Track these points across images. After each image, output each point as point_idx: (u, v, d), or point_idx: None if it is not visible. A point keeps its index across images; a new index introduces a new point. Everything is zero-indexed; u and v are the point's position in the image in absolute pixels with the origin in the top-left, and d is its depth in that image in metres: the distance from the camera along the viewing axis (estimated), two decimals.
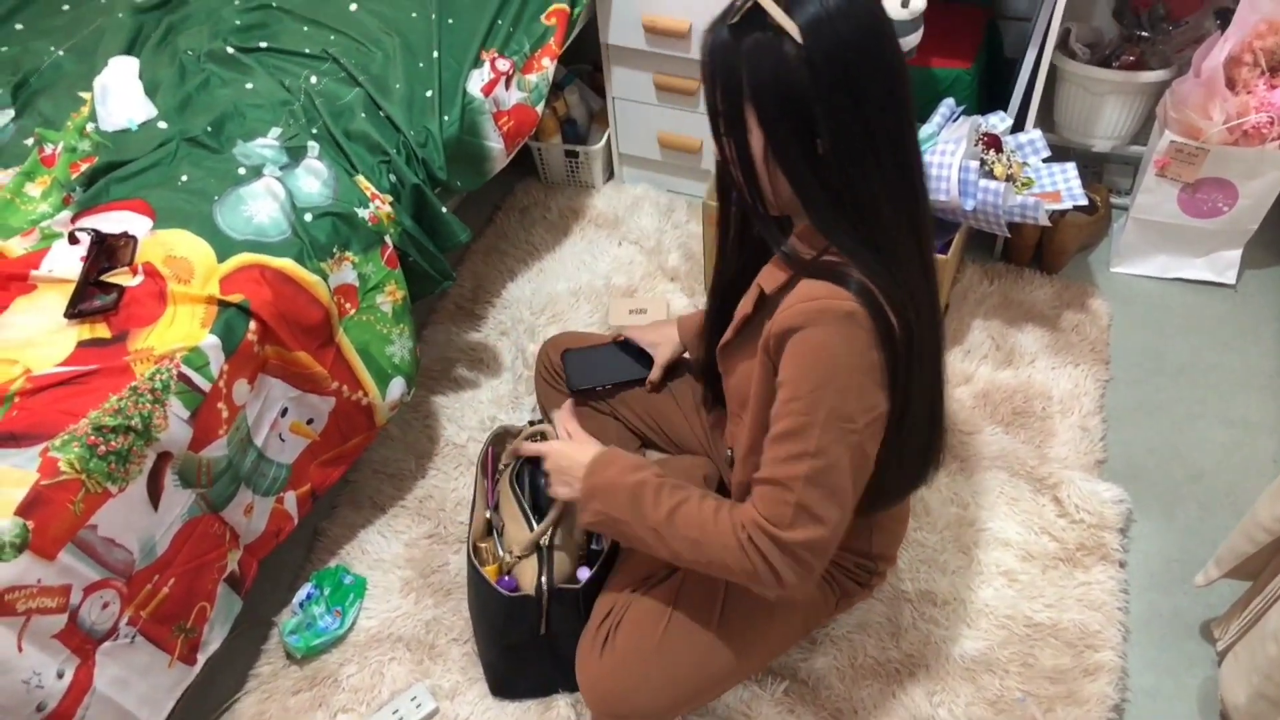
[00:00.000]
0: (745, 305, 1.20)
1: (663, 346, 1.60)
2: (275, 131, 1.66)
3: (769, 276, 1.15)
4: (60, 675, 1.19)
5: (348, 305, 1.56)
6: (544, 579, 1.40)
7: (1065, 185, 1.85)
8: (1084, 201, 1.83)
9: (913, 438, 1.15)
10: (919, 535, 1.66)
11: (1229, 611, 1.47)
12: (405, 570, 1.68)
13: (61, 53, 1.85)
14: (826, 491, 1.06)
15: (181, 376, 1.30)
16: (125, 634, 1.27)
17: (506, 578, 1.44)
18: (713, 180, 1.16)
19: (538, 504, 1.47)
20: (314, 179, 1.59)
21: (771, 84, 0.99)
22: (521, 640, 1.44)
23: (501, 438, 1.58)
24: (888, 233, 1.06)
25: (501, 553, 1.47)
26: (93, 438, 1.19)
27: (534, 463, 1.48)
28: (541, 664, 1.48)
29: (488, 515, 1.53)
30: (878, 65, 1.00)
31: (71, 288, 1.37)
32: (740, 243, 1.29)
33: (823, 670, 1.50)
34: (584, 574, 1.44)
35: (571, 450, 1.30)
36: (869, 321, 1.01)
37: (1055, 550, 1.62)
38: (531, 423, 1.54)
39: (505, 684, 1.53)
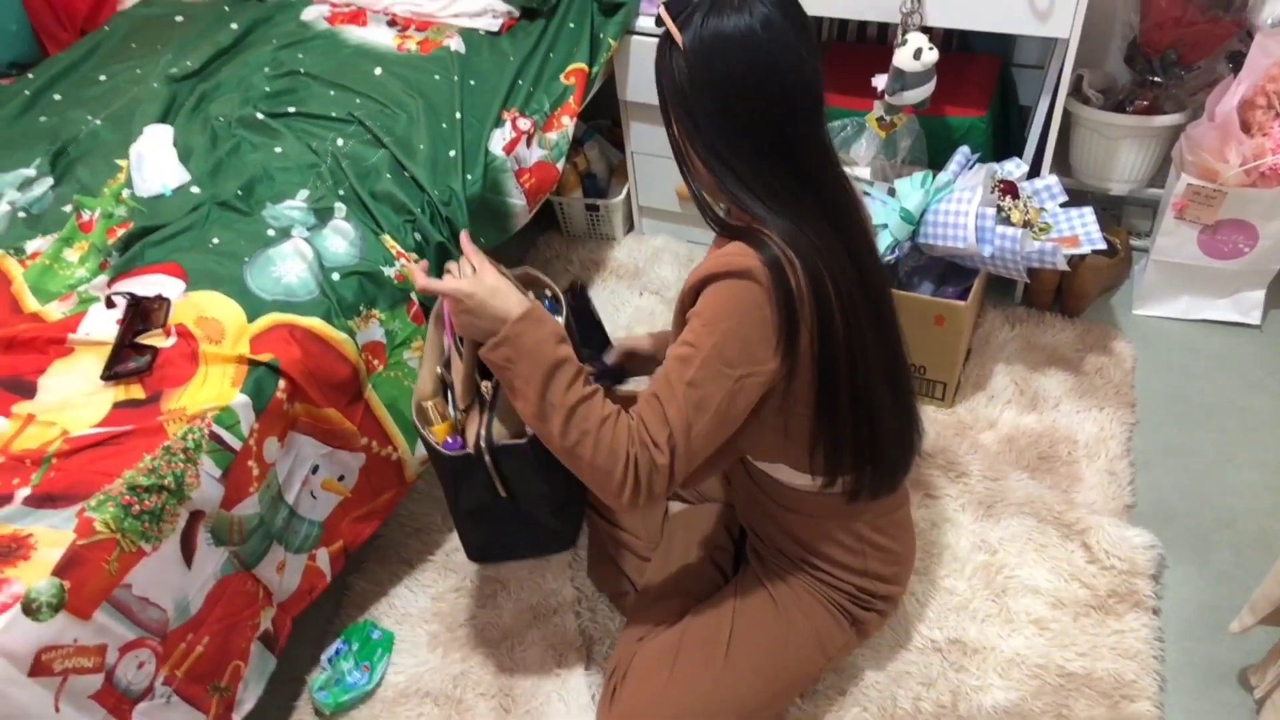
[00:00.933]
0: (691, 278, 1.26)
1: (627, 339, 1.56)
2: (303, 193, 1.70)
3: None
4: None
5: (376, 362, 1.59)
6: (482, 432, 1.30)
7: (1083, 230, 1.86)
8: (1102, 245, 1.84)
9: (842, 414, 1.20)
10: (947, 582, 1.65)
11: (1266, 658, 1.45)
12: (433, 624, 1.68)
13: (98, 122, 1.91)
14: (689, 422, 1.12)
15: (213, 435, 1.32)
16: (161, 694, 1.29)
17: (454, 439, 1.35)
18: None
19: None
20: (341, 239, 1.63)
21: (668, 77, 1.13)
22: (481, 503, 1.37)
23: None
24: (794, 209, 1.13)
25: (451, 411, 1.37)
26: (127, 497, 1.22)
27: None
28: (508, 526, 1.41)
29: (439, 371, 1.41)
30: (749, 81, 1.09)
31: (108, 350, 1.41)
32: None
33: None
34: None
35: (498, 293, 1.18)
36: (769, 281, 1.09)
37: (1086, 597, 1.60)
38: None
39: (477, 550, 1.52)
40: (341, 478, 1.57)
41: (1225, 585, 1.63)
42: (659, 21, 1.14)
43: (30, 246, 1.64)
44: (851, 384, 1.18)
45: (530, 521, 1.42)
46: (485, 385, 1.34)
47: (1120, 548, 1.64)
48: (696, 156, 1.15)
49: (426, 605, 1.72)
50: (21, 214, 1.72)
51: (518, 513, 1.39)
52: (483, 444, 1.30)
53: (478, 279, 1.20)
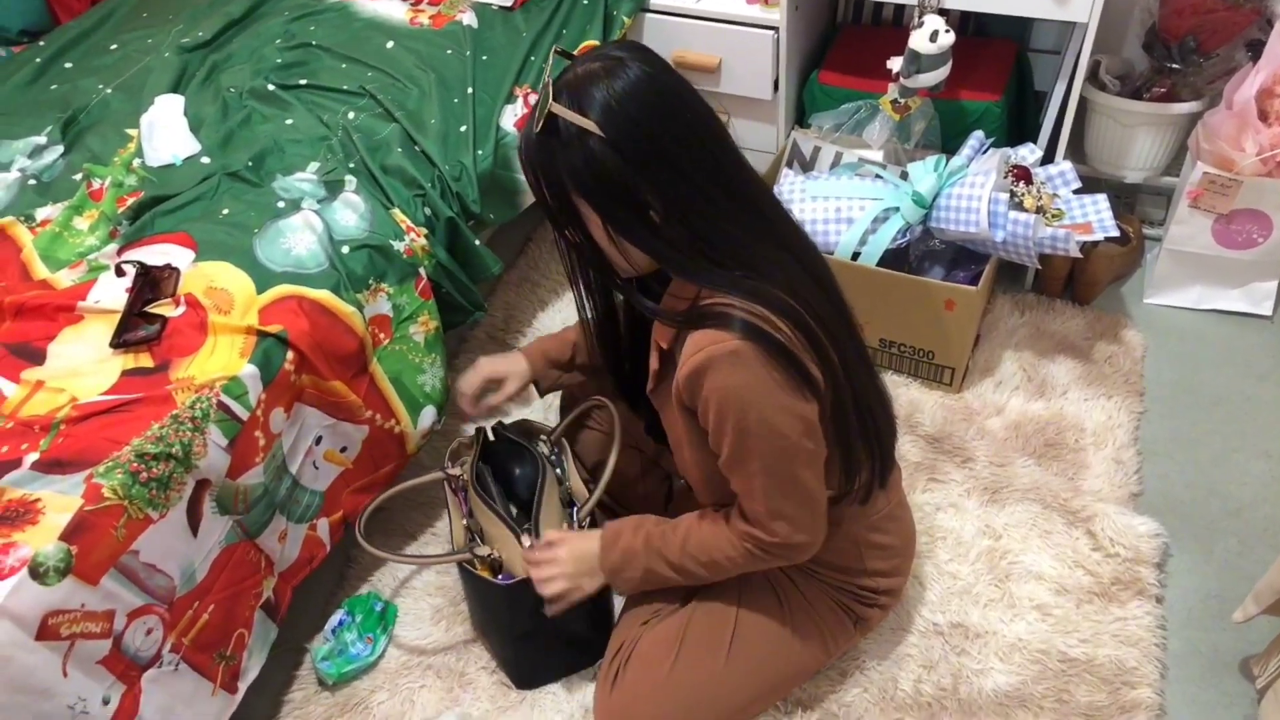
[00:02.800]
0: (653, 360, 1.25)
1: (509, 380, 1.53)
2: (314, 166, 1.70)
3: (661, 332, 1.21)
4: (106, 702, 1.21)
5: (382, 335, 1.59)
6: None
7: (1096, 217, 1.85)
8: (1115, 233, 1.83)
9: (851, 422, 1.21)
10: (951, 567, 1.65)
11: (1269, 648, 1.44)
12: (436, 598, 1.69)
13: (109, 91, 1.91)
14: (786, 496, 1.17)
15: (221, 405, 1.33)
16: (169, 661, 1.29)
17: (500, 575, 1.45)
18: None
19: (510, 493, 1.55)
20: (351, 212, 1.63)
21: (589, 176, 1.06)
22: (530, 628, 1.45)
23: (456, 452, 1.58)
24: (751, 256, 1.12)
25: (488, 552, 1.46)
26: (135, 464, 1.22)
27: (487, 461, 1.55)
28: (554, 647, 1.52)
29: (465, 524, 1.53)
30: (678, 127, 1.07)
31: (117, 318, 1.41)
32: (609, 308, 1.38)
33: (854, 703, 1.49)
34: None
35: (576, 545, 1.36)
36: (757, 350, 1.07)
37: (1090, 584, 1.60)
38: (480, 430, 1.57)
39: (525, 676, 1.55)
40: (344, 449, 1.57)
41: (1229, 575, 1.63)
42: (547, 132, 1.05)
43: (40, 214, 1.64)
44: (852, 391, 1.18)
45: (571, 636, 1.53)
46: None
47: (1125, 535, 1.64)
48: (636, 244, 1.11)
49: (430, 579, 1.72)
50: (31, 181, 1.73)
51: (560, 630, 1.47)
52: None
53: (554, 561, 1.35)
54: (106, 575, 1.19)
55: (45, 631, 1.13)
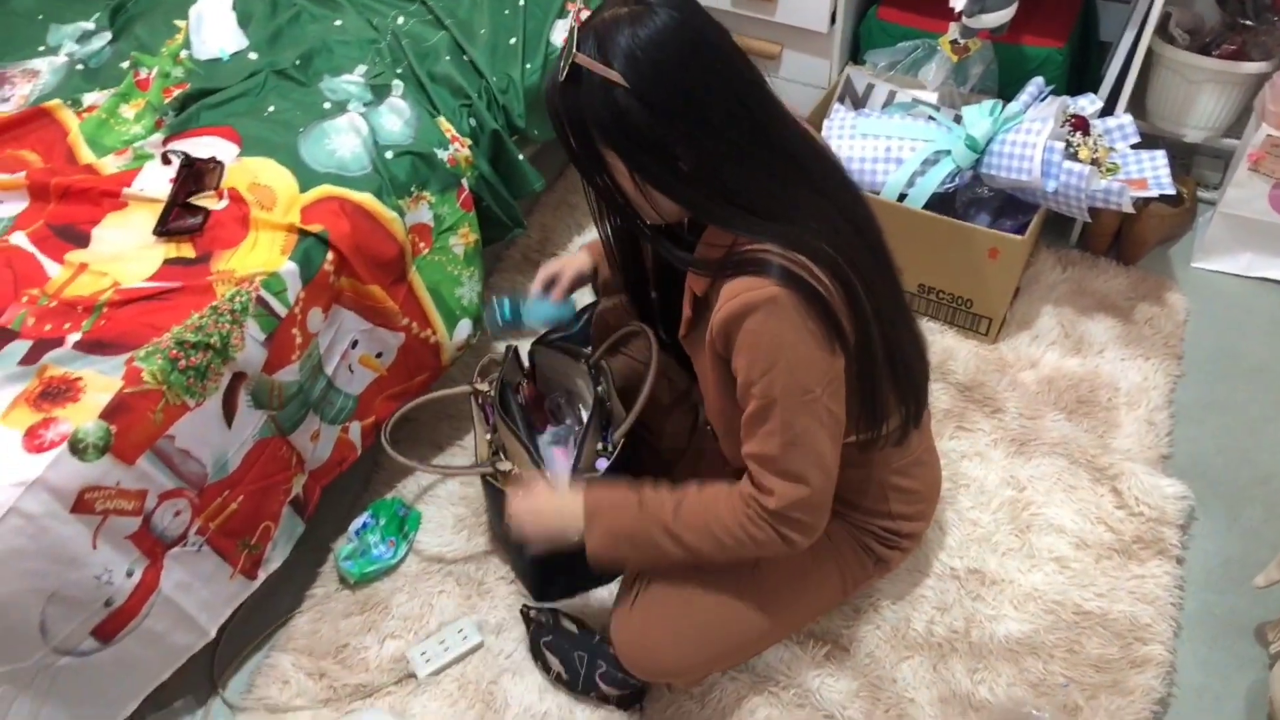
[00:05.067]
0: (686, 308, 1.23)
1: (565, 271, 1.50)
2: (361, 69, 1.69)
3: (695, 280, 1.18)
4: (129, 574, 1.25)
5: (421, 244, 1.59)
6: (546, 473, 1.40)
7: (1153, 173, 1.80)
8: (1171, 191, 1.79)
9: (879, 370, 1.17)
10: (972, 514, 1.65)
11: None
12: (459, 507, 1.72)
13: None
14: (802, 456, 1.12)
15: (260, 300, 1.34)
16: (193, 542, 1.33)
17: None
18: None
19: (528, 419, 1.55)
20: (396, 118, 1.61)
21: (617, 127, 1.03)
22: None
23: (486, 369, 1.59)
24: (786, 205, 1.09)
25: (510, 468, 1.48)
26: (174, 351, 1.24)
27: (511, 388, 1.55)
28: (573, 563, 1.47)
29: (489, 439, 1.55)
30: (708, 77, 1.03)
31: (160, 207, 1.42)
32: (635, 254, 1.35)
33: (865, 638, 1.50)
34: (602, 464, 1.47)
35: (554, 494, 1.31)
36: (795, 298, 1.04)
37: (1111, 541, 1.60)
38: (511, 348, 1.58)
39: (543, 589, 1.58)
40: (379, 355, 1.59)
41: (1253, 542, 1.62)
42: (573, 80, 1.02)
43: (87, 99, 1.64)
44: (883, 341, 1.16)
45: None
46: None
47: (1151, 496, 1.63)
48: (666, 194, 1.08)
49: (454, 489, 1.75)
50: (79, 66, 1.73)
51: (580, 548, 1.44)
52: (570, 478, 1.41)
53: (525, 499, 1.31)
54: (143, 456, 1.22)
55: (80, 505, 1.16)
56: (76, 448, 1.15)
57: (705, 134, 1.04)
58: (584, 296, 1.56)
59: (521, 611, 1.49)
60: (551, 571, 1.57)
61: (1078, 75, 2.13)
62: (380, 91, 1.65)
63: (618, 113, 1.02)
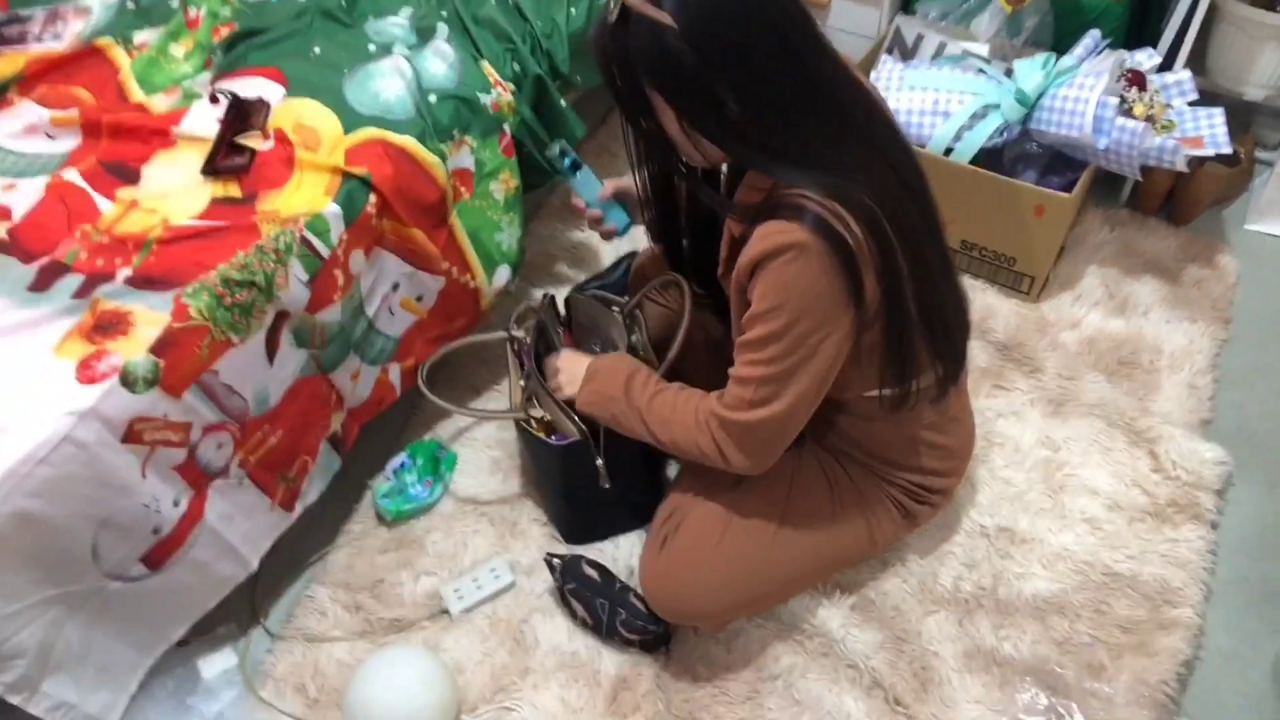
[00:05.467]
0: (723, 249, 1.24)
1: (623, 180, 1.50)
2: (406, 11, 1.69)
3: (734, 223, 1.18)
4: (176, 504, 1.29)
5: (463, 189, 1.60)
6: (577, 419, 1.43)
7: (1210, 131, 1.76)
8: (1228, 150, 1.74)
9: (911, 326, 1.17)
10: (1005, 473, 1.64)
11: None
12: (495, 451, 1.75)
13: None
14: (776, 388, 1.15)
15: (304, 240, 1.36)
16: (235, 475, 1.37)
17: (554, 436, 1.49)
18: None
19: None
20: (440, 61, 1.62)
21: (665, 70, 1.03)
22: (581, 487, 1.50)
23: (523, 316, 1.61)
24: (832, 156, 1.08)
25: (543, 414, 1.51)
26: (220, 289, 1.27)
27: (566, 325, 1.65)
28: (605, 507, 1.58)
29: (523, 385, 1.57)
30: (759, 22, 1.02)
31: (208, 146, 1.44)
32: (671, 202, 1.37)
33: (892, 591, 1.51)
34: None
35: (576, 356, 1.44)
36: (823, 246, 1.04)
37: (1145, 504, 1.59)
38: (547, 295, 1.62)
39: (575, 532, 1.62)
40: (420, 298, 1.61)
41: None
42: (622, 22, 1.02)
43: (137, 38, 1.66)
44: (918, 296, 1.15)
45: (623, 500, 1.56)
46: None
47: (1189, 460, 1.61)
48: (711, 140, 1.08)
49: (490, 432, 1.78)
50: (130, 4, 1.74)
51: (615, 493, 1.50)
52: (599, 426, 1.42)
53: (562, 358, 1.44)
54: (189, 390, 1.25)
55: (130, 435, 1.20)
56: (127, 380, 1.18)
57: (754, 81, 1.03)
58: (622, 247, 1.56)
59: (545, 560, 1.52)
60: (583, 515, 1.60)
61: (1137, 28, 2.06)
62: (425, 34, 1.65)
63: (666, 55, 1.01)
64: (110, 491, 1.20)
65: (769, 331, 1.11)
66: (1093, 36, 1.82)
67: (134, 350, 1.20)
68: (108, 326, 1.23)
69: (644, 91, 1.07)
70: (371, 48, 1.60)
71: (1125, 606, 1.47)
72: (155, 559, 1.29)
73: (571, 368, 1.41)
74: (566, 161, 1.49)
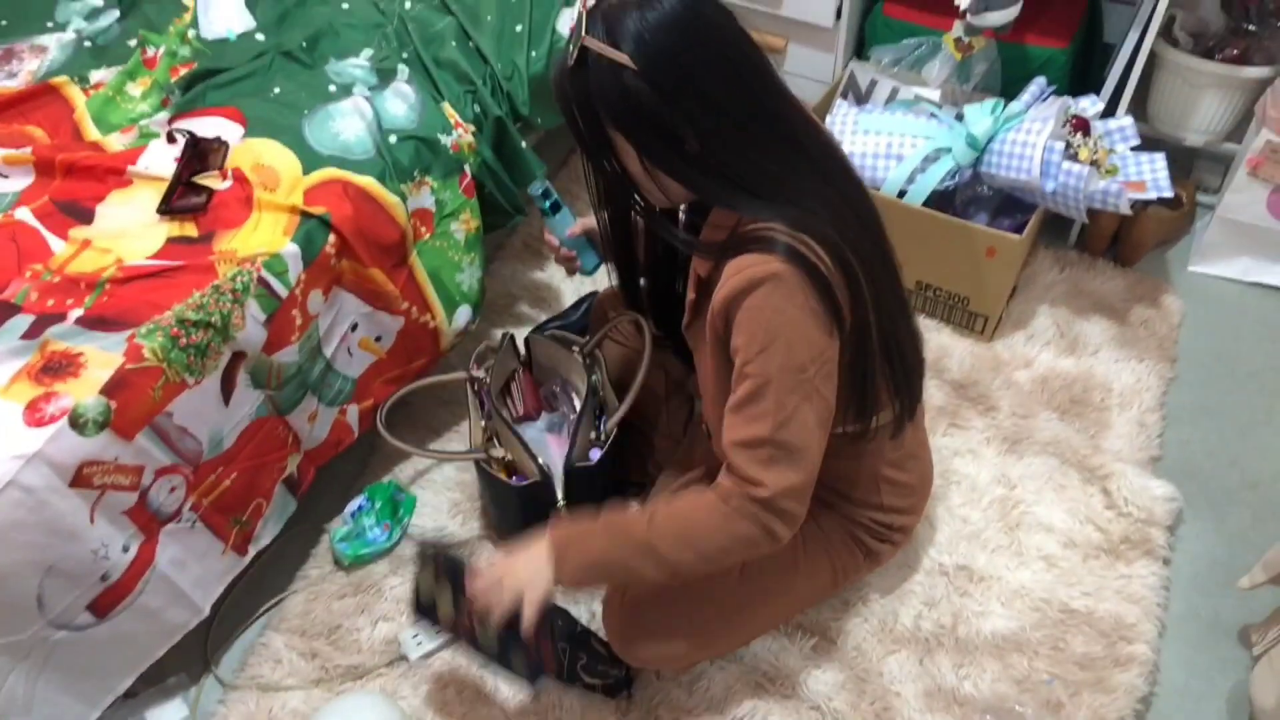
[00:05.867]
0: (690, 291, 1.23)
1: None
2: (367, 52, 1.69)
3: (700, 263, 1.19)
4: (126, 549, 1.26)
5: (423, 229, 1.60)
6: (572, 454, 1.44)
7: (1152, 175, 1.81)
8: (1169, 194, 1.80)
9: (873, 360, 1.17)
10: (963, 511, 1.66)
11: (1269, 618, 1.46)
12: (454, 493, 1.73)
13: None
14: (793, 437, 1.10)
15: (261, 280, 1.35)
16: (187, 519, 1.34)
17: (514, 477, 1.49)
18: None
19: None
20: (401, 102, 1.62)
21: (624, 109, 1.04)
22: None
23: (483, 355, 1.61)
24: (791, 190, 1.09)
25: (504, 454, 1.50)
26: (175, 329, 1.25)
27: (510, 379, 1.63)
28: None
29: (483, 425, 1.56)
30: (715, 60, 1.04)
31: (165, 185, 1.43)
32: (631, 244, 1.37)
33: (853, 631, 1.52)
34: (595, 454, 1.49)
35: (519, 550, 1.19)
36: (799, 276, 1.05)
37: (1099, 541, 1.61)
38: (506, 335, 1.62)
39: None
40: (379, 338, 1.60)
41: (1239, 545, 1.64)
42: (581, 63, 1.03)
43: (94, 76, 1.65)
44: (880, 332, 1.17)
45: None
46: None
47: (1140, 497, 1.64)
48: (672, 176, 1.09)
49: (450, 474, 1.76)
50: (87, 43, 1.73)
51: None
52: (564, 466, 1.45)
53: (490, 570, 1.21)
54: (141, 432, 1.23)
55: (79, 479, 1.17)
56: (76, 422, 1.16)
57: (711, 117, 1.05)
58: (584, 287, 1.57)
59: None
60: None
61: (1080, 76, 2.14)
62: (386, 75, 1.66)
63: (625, 95, 1.03)
64: (57, 538, 1.17)
65: (764, 376, 1.08)
66: (1038, 84, 1.88)
67: (84, 392, 1.17)
68: (57, 368, 1.20)
69: (605, 131, 1.09)
70: (332, 88, 1.61)
71: (1082, 643, 1.49)
72: (103, 606, 1.26)
73: (518, 563, 1.19)
74: (548, 202, 1.49)
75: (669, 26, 1.01)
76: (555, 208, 1.49)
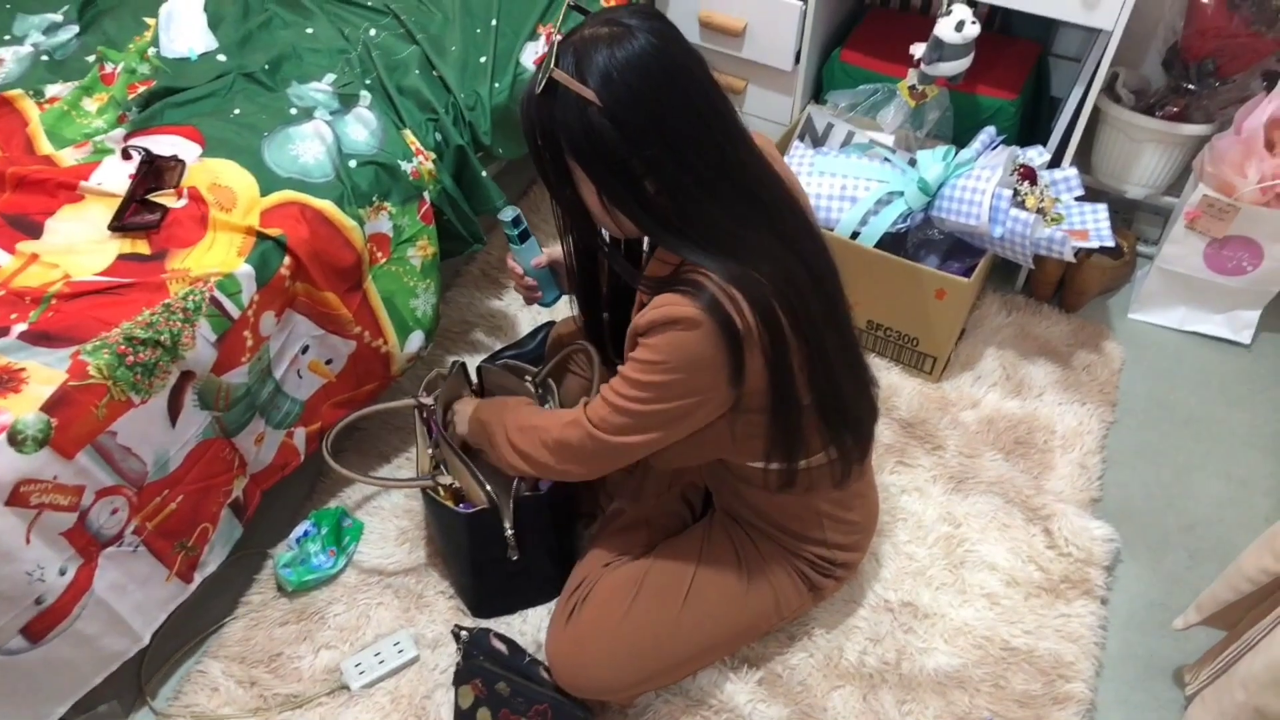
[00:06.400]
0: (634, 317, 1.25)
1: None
2: (330, 77, 1.70)
3: (643, 294, 1.21)
4: (62, 572, 1.23)
5: (379, 254, 1.60)
6: (488, 487, 1.44)
7: (1095, 225, 1.87)
8: (1111, 243, 1.85)
9: (799, 410, 1.20)
10: (908, 548, 1.68)
11: (1202, 658, 1.49)
12: (403, 520, 1.71)
13: None
14: (638, 425, 1.19)
15: (213, 300, 1.33)
16: (129, 542, 1.31)
17: (462, 505, 1.49)
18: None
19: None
20: (362, 128, 1.62)
21: (586, 144, 1.06)
22: (489, 558, 1.49)
23: (432, 383, 1.61)
24: (739, 242, 1.11)
25: (451, 481, 1.50)
26: (123, 347, 1.23)
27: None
28: (513, 579, 1.55)
29: (430, 452, 1.56)
30: (681, 105, 1.06)
31: (118, 202, 1.41)
32: (594, 273, 1.41)
33: (799, 666, 1.52)
34: (545, 484, 1.49)
35: (472, 399, 1.54)
36: (713, 327, 1.07)
37: (1040, 579, 1.64)
38: (457, 362, 1.63)
39: (482, 604, 1.59)
40: (329, 361, 1.59)
41: (1175, 586, 1.68)
42: (549, 93, 1.05)
43: (50, 90, 1.63)
44: (814, 384, 1.19)
45: (533, 572, 1.55)
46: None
47: (1080, 537, 1.68)
48: (627, 215, 1.11)
49: (398, 501, 1.75)
50: (44, 58, 1.71)
51: (525, 564, 1.50)
52: (509, 495, 1.45)
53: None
54: (82, 451, 1.20)
55: (15, 498, 1.14)
56: (15, 439, 1.13)
57: (671, 161, 1.06)
58: (540, 317, 1.57)
59: (453, 632, 1.49)
60: (491, 588, 1.57)
61: (1028, 127, 2.20)
62: (348, 101, 1.66)
63: (588, 130, 1.04)
64: None
65: (644, 377, 1.15)
66: (988, 133, 1.94)
67: (24, 408, 1.15)
68: None
69: (566, 162, 1.10)
70: (293, 111, 1.61)
71: (1022, 681, 1.51)
72: (36, 631, 1.22)
73: (465, 407, 1.49)
74: (518, 230, 1.49)
75: (637, 67, 1.03)
76: (524, 236, 1.50)
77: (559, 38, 1.07)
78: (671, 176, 1.07)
